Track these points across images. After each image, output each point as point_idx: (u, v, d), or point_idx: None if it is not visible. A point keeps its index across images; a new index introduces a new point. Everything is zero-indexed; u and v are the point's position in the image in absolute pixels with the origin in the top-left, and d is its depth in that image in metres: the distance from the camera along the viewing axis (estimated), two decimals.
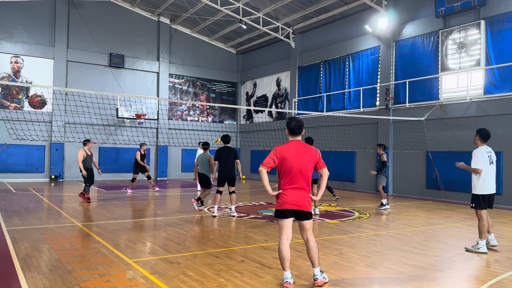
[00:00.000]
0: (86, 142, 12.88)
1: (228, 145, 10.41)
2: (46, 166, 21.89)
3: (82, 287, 4.80)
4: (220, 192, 10.31)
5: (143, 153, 16.00)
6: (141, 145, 16.27)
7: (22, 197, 13.69)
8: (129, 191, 15.91)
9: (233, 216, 10.15)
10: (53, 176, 21.62)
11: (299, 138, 5.07)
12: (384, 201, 12.28)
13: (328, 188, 13.37)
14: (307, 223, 4.97)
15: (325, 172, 5.08)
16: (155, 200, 13.88)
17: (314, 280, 4.96)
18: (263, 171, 4.91)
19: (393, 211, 11.83)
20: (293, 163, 4.87)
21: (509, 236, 8.34)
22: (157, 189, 16.74)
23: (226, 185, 10.47)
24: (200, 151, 17.65)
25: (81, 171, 12.54)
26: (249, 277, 5.27)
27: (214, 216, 10.06)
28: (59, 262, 5.84)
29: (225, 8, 21.24)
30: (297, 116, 5.24)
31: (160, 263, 5.85)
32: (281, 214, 4.94)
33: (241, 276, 5.28)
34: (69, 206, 11.77)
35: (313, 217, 10.07)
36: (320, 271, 5.03)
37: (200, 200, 11.16)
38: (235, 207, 10.77)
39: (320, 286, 4.92)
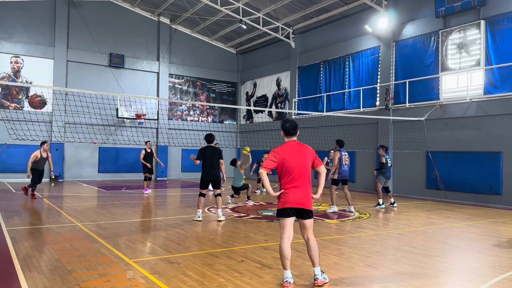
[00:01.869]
0: (42, 143, 13.06)
1: (212, 144, 9.78)
2: (46, 166, 21.81)
3: (82, 287, 4.80)
4: (203, 195, 9.63)
5: (149, 150, 15.59)
6: (146, 142, 16.05)
7: (22, 197, 13.68)
8: (145, 192, 15.45)
9: (220, 220, 9.43)
10: (53, 176, 21.59)
11: (295, 138, 5.17)
12: (380, 200, 12.40)
13: None
14: (308, 222, 5.03)
15: (322, 170, 5.21)
16: (155, 201, 13.88)
17: (315, 279, 4.97)
18: (263, 173, 4.97)
19: (393, 211, 11.83)
20: (293, 163, 4.95)
21: (509, 236, 8.34)
22: (148, 191, 15.71)
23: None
24: None
25: (32, 170, 12.72)
26: (249, 277, 5.27)
27: (199, 221, 9.41)
28: (59, 262, 5.84)
29: (225, 8, 21.24)
30: (291, 117, 5.40)
31: (160, 263, 5.85)
32: (284, 213, 4.97)
33: (241, 276, 5.28)
34: (69, 206, 11.77)
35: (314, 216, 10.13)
36: (321, 271, 5.04)
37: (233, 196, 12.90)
38: (222, 211, 9.86)
39: (320, 286, 4.93)
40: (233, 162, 13.01)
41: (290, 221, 4.98)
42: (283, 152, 5.00)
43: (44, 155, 12.92)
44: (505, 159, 13.54)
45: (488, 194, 13.83)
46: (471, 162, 14.39)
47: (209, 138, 9.77)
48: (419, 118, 15.75)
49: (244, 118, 27.81)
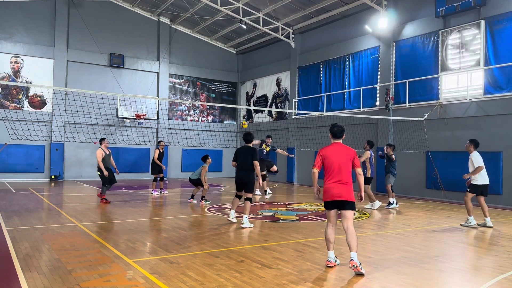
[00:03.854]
0: (102, 140, 12.43)
1: (250, 144, 9.11)
2: (46, 166, 21.89)
3: (82, 287, 4.80)
4: (239, 197, 9.16)
5: (161, 151, 15.19)
6: (159, 142, 15.57)
7: (22, 197, 13.69)
8: (155, 193, 15.23)
9: (243, 228, 8.60)
10: (53, 176, 21.63)
11: (340, 141, 5.94)
12: (392, 200, 12.43)
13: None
14: (348, 213, 5.66)
15: (359, 171, 5.81)
16: (155, 200, 13.88)
17: (350, 260, 5.43)
18: (315, 172, 5.79)
19: (393, 211, 11.83)
20: (334, 160, 5.71)
21: (509, 236, 8.34)
22: (166, 192, 15.84)
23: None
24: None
25: (101, 171, 12.03)
26: (249, 277, 5.27)
27: (232, 222, 9.06)
28: (59, 262, 5.84)
29: (225, 8, 21.24)
30: (339, 122, 6.03)
31: (160, 263, 5.85)
32: (327, 205, 5.78)
33: (241, 276, 5.28)
34: (69, 206, 11.77)
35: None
36: (359, 262, 5.45)
37: (192, 196, 13.17)
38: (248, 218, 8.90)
39: (354, 266, 5.33)
40: (204, 159, 13.03)
41: (333, 213, 5.78)
42: (326, 151, 5.82)
43: (107, 152, 12.30)
44: (505, 159, 13.54)
45: (488, 194, 13.78)
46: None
47: (246, 137, 9.12)
48: (419, 118, 15.75)
49: (244, 118, 27.81)
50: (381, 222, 10.04)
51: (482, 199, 9.32)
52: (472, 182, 9.24)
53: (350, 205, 5.65)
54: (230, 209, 9.34)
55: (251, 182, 8.93)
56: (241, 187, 9.01)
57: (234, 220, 9.14)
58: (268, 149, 15.01)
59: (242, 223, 8.73)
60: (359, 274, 5.35)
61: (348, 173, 5.68)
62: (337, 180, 5.64)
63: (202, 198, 12.78)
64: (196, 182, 12.89)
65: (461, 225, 9.41)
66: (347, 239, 5.57)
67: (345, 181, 5.65)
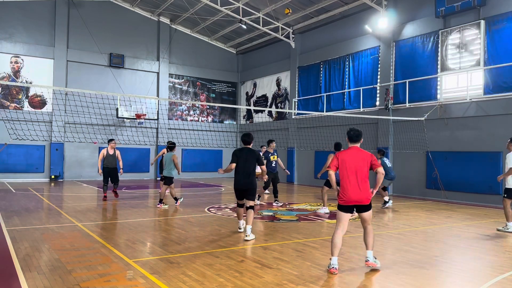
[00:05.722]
0: (109, 141, 13.31)
1: (249, 146, 8.08)
2: (46, 166, 21.89)
3: (82, 287, 4.80)
4: (241, 206, 8.12)
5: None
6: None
7: (22, 197, 13.69)
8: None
9: (246, 240, 7.44)
10: (53, 176, 21.62)
11: (358, 145, 5.93)
12: (387, 198, 12.52)
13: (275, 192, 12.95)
14: (367, 215, 5.78)
15: (379, 171, 5.82)
16: (155, 200, 13.87)
17: (366, 261, 5.67)
18: (332, 173, 5.87)
19: (393, 211, 11.83)
20: (351, 165, 5.72)
21: (509, 236, 8.34)
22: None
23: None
24: None
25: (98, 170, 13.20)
26: (249, 277, 5.27)
27: (247, 240, 7.44)
28: (59, 262, 5.84)
29: (225, 8, 21.24)
30: (355, 127, 6.05)
31: (160, 263, 5.86)
32: (343, 208, 5.73)
33: (241, 276, 5.28)
34: (69, 206, 11.77)
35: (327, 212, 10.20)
36: (374, 256, 5.69)
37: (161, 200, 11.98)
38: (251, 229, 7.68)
39: (369, 267, 5.62)
40: (171, 147, 12.27)
41: (346, 217, 5.75)
42: (344, 155, 5.81)
43: (111, 152, 13.05)
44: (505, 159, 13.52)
45: (488, 194, 13.82)
46: (471, 162, 14.39)
47: (247, 138, 8.04)
48: (419, 118, 15.75)
49: (244, 118, 27.81)
50: (381, 222, 10.04)
51: None
52: (506, 186, 8.66)
53: (368, 207, 5.74)
54: (238, 220, 8.34)
55: (253, 189, 7.88)
56: (242, 194, 7.95)
57: (242, 229, 8.19)
58: (275, 158, 12.80)
59: (246, 236, 7.49)
60: (376, 269, 5.67)
61: (365, 177, 5.73)
62: (355, 185, 5.66)
63: (176, 199, 12.13)
64: (169, 180, 11.80)
65: (498, 229, 8.86)
66: (364, 236, 5.78)
67: (362, 185, 5.68)
